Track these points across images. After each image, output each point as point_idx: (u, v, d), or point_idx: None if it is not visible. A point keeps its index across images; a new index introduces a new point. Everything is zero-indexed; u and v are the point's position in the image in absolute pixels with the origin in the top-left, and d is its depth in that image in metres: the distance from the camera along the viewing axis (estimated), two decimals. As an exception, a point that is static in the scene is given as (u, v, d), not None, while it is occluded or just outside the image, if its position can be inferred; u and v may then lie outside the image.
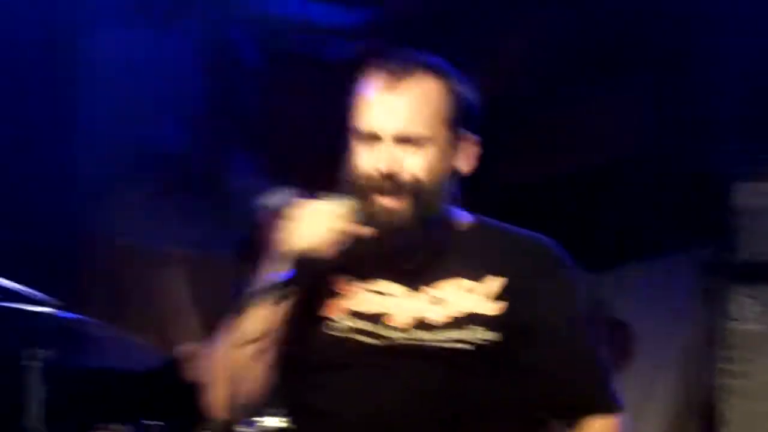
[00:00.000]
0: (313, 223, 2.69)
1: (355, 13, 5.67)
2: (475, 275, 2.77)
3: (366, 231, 2.67)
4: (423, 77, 2.76)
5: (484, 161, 2.98)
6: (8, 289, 4.03)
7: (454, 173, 2.80)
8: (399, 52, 2.78)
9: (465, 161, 2.81)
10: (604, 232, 5.55)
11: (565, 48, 5.55)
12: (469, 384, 2.69)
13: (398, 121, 2.69)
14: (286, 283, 2.68)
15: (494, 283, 2.75)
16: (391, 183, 2.69)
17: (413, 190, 2.69)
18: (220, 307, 3.34)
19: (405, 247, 2.76)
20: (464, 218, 2.90)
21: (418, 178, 2.70)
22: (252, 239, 5.04)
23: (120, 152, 5.73)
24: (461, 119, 2.77)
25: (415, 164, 2.71)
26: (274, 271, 2.65)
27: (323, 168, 2.99)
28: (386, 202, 2.68)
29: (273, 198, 4.45)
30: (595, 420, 2.75)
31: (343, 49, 5.57)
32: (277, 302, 2.72)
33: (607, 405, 2.76)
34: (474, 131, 2.78)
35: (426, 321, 2.73)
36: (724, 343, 5.20)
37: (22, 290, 4.05)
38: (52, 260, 5.26)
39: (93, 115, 5.74)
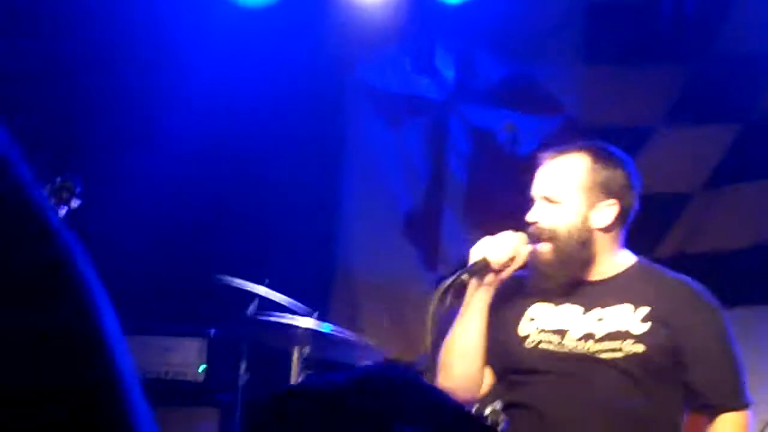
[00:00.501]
0: (496, 240, 3.38)
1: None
2: (632, 302, 3.37)
3: (527, 250, 3.36)
4: (570, 155, 3.43)
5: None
6: (279, 303, 4.85)
7: (596, 229, 3.39)
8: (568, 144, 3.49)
9: (601, 219, 3.39)
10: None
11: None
12: (624, 384, 3.29)
13: (542, 187, 3.43)
14: (468, 271, 3.35)
15: (644, 310, 3.35)
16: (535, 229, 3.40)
17: (550, 237, 3.37)
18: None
19: (563, 273, 3.40)
20: (628, 258, 3.52)
21: (553, 229, 3.37)
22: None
23: (377, 214, 6.35)
24: (600, 187, 3.38)
25: (551, 217, 3.39)
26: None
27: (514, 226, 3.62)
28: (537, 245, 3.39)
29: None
30: (730, 414, 3.34)
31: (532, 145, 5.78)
32: (465, 281, 3.39)
33: (741, 403, 3.36)
34: (615, 197, 3.37)
35: (592, 335, 3.37)
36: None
37: (291, 303, 4.87)
38: (314, 284, 5.85)
39: (352, 188, 6.38)
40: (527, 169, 5.85)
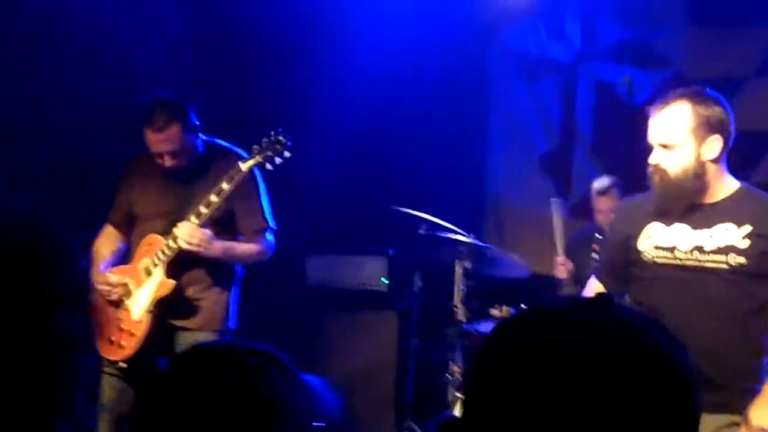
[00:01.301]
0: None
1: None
2: (735, 222, 3.50)
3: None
4: (674, 104, 3.51)
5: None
6: (443, 225, 5.24)
7: (707, 161, 3.49)
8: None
9: (710, 152, 3.49)
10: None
11: None
12: (730, 289, 3.46)
13: (657, 135, 3.55)
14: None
15: (746, 228, 3.48)
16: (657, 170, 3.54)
17: (670, 174, 3.51)
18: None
19: (681, 201, 3.54)
20: (733, 183, 3.60)
21: (672, 168, 3.50)
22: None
23: (519, 154, 6.75)
24: (705, 126, 3.47)
25: (669, 159, 3.52)
26: None
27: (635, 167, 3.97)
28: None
29: (600, 181, 5.69)
30: None
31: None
32: None
33: None
34: (718, 131, 3.46)
35: (702, 248, 3.52)
36: None
37: (450, 227, 5.25)
38: (469, 212, 6.20)
39: (499, 133, 6.83)
40: (641, 116, 6.51)
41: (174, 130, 4.40)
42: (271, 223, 4.65)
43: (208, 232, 4.41)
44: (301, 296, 6.25)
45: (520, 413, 1.16)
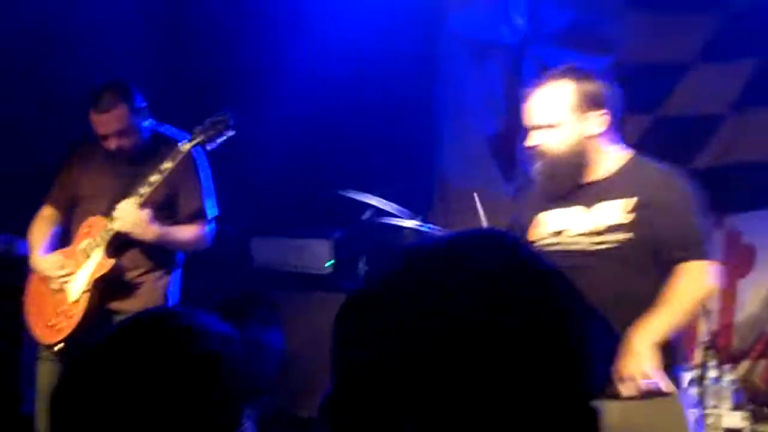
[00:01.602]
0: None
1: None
2: (623, 196, 3.40)
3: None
4: (553, 83, 3.43)
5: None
6: (389, 210, 5.19)
7: (590, 137, 3.40)
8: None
9: (594, 128, 3.40)
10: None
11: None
12: (622, 270, 3.37)
13: (537, 115, 3.46)
14: None
15: (631, 201, 3.39)
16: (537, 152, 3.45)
17: (552, 156, 3.41)
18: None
19: (566, 182, 3.44)
20: (622, 155, 3.50)
21: (553, 149, 3.41)
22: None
23: (466, 136, 6.71)
24: (588, 102, 3.38)
25: (550, 139, 3.42)
26: None
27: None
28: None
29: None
30: (694, 263, 3.36)
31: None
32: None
33: (703, 254, 3.40)
34: (602, 106, 3.38)
35: (591, 230, 3.44)
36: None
37: (398, 210, 5.19)
38: (416, 194, 5.99)
39: (447, 115, 6.78)
40: None
41: (119, 110, 4.39)
42: (211, 211, 4.64)
43: (146, 213, 4.38)
44: (246, 279, 6.22)
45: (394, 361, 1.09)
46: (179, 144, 4.40)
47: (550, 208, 3.54)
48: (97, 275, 4.47)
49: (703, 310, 5.47)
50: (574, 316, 1.12)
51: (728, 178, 6.18)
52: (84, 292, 4.45)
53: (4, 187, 5.37)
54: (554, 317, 1.11)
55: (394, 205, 5.25)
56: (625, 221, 3.39)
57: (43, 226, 4.66)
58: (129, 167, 4.50)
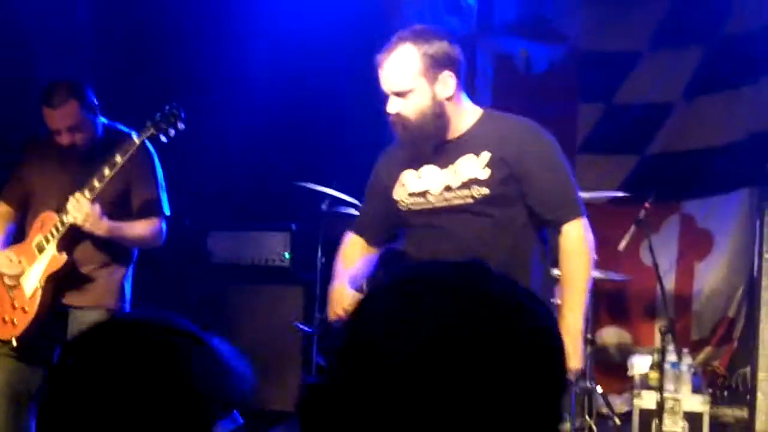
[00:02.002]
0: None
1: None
2: (475, 152, 3.36)
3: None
4: (398, 49, 3.39)
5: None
6: (346, 201, 5.22)
7: (443, 98, 3.33)
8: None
9: (446, 90, 3.35)
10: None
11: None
12: (481, 224, 3.35)
13: (389, 83, 3.39)
14: None
15: (485, 156, 3.36)
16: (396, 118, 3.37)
17: (410, 121, 3.34)
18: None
19: (427, 144, 3.40)
20: (474, 112, 3.46)
21: (410, 114, 3.34)
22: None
23: None
24: (434, 65, 3.32)
25: (405, 106, 3.35)
26: None
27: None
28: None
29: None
30: (571, 223, 3.38)
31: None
32: None
33: (578, 212, 3.41)
34: (448, 67, 3.33)
35: (449, 187, 3.40)
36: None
37: (352, 201, 5.15)
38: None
39: None
40: (538, 86, 6.47)
41: (71, 106, 4.34)
42: (165, 208, 4.56)
43: (97, 207, 4.29)
44: (204, 273, 6.13)
45: (387, 377, 1.12)
46: (131, 135, 4.34)
47: (412, 168, 3.49)
48: (51, 271, 4.39)
49: (661, 298, 5.60)
50: (542, 346, 1.17)
51: (681, 165, 6.21)
52: (38, 288, 4.39)
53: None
54: (527, 348, 1.14)
55: (350, 198, 5.23)
56: (482, 176, 3.36)
57: None
58: (82, 163, 4.42)
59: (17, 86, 5.41)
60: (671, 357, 5.24)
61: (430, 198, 3.46)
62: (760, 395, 5.13)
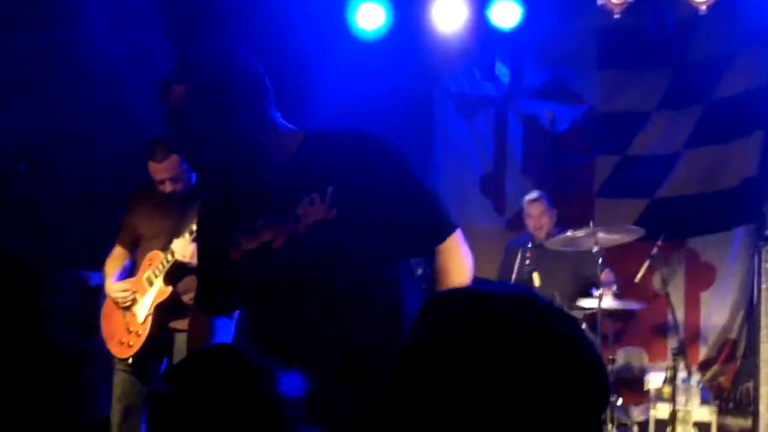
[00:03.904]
0: None
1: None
2: (317, 187, 2.29)
3: None
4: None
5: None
6: None
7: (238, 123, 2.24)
8: None
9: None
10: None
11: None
12: (344, 272, 2.28)
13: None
14: None
15: (330, 192, 2.28)
16: None
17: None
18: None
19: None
20: (293, 134, 2.38)
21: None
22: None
23: (459, 178, 6.81)
24: (208, 98, 2.25)
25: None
26: None
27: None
28: None
29: (530, 194, 5.79)
30: (446, 242, 2.38)
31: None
32: None
33: (451, 226, 2.40)
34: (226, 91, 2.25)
35: (295, 236, 2.30)
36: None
37: None
38: None
39: (441, 161, 6.87)
40: (562, 142, 6.66)
41: (173, 159, 4.54)
42: None
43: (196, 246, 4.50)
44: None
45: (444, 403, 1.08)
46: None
47: (243, 226, 2.46)
48: (159, 300, 4.62)
49: (672, 323, 5.73)
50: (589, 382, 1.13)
51: (685, 207, 6.37)
52: (148, 315, 4.62)
53: (80, 232, 5.49)
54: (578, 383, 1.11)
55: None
56: (331, 216, 2.30)
57: (115, 261, 4.83)
58: (181, 208, 4.62)
59: (118, 140, 5.60)
60: (682, 373, 5.33)
61: (274, 253, 2.43)
62: (762, 406, 5.21)
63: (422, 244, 2.40)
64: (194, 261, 4.37)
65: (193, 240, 4.46)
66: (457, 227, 2.42)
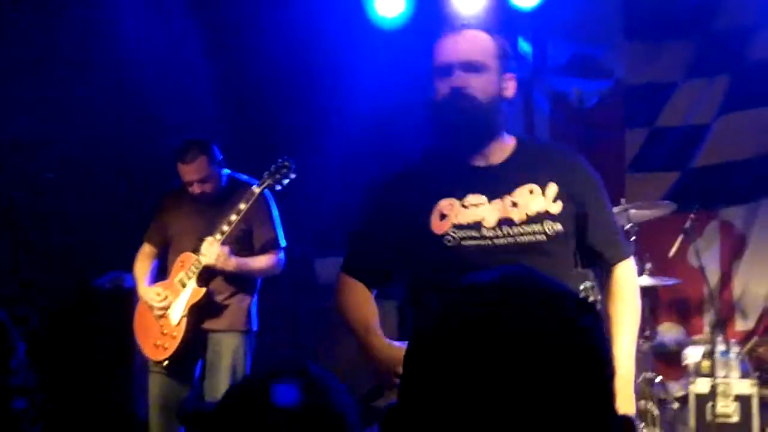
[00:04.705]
0: None
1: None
2: (536, 182, 2.59)
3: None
4: (473, 31, 2.65)
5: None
6: None
7: (504, 98, 2.57)
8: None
9: (509, 90, 2.61)
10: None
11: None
12: (545, 264, 2.46)
13: (463, 53, 2.57)
14: None
15: (552, 188, 2.59)
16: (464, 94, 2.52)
17: (477, 102, 2.53)
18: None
19: (472, 141, 2.57)
20: (510, 138, 2.68)
21: (478, 95, 2.52)
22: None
23: None
24: (503, 59, 2.59)
25: (476, 83, 2.54)
26: None
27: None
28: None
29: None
30: (624, 263, 2.73)
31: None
32: None
33: (628, 251, 2.77)
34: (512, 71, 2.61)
35: (510, 220, 2.56)
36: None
37: None
38: None
39: None
40: (590, 119, 6.49)
41: (201, 161, 4.52)
42: (282, 242, 4.72)
43: (226, 248, 4.49)
44: (312, 294, 6.19)
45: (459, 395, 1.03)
46: (252, 187, 4.53)
47: (453, 196, 2.62)
48: (193, 302, 4.58)
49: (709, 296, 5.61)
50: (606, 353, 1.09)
51: (717, 177, 6.21)
52: (183, 316, 4.59)
53: (110, 234, 5.52)
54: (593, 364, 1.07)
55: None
56: (554, 211, 2.60)
57: (144, 261, 4.79)
58: (210, 209, 4.60)
59: (150, 144, 5.60)
60: (721, 347, 5.26)
61: (485, 232, 2.59)
62: (803, 376, 5.09)
63: (606, 258, 2.73)
64: (220, 263, 4.39)
65: (223, 242, 4.45)
66: (633, 254, 2.77)
